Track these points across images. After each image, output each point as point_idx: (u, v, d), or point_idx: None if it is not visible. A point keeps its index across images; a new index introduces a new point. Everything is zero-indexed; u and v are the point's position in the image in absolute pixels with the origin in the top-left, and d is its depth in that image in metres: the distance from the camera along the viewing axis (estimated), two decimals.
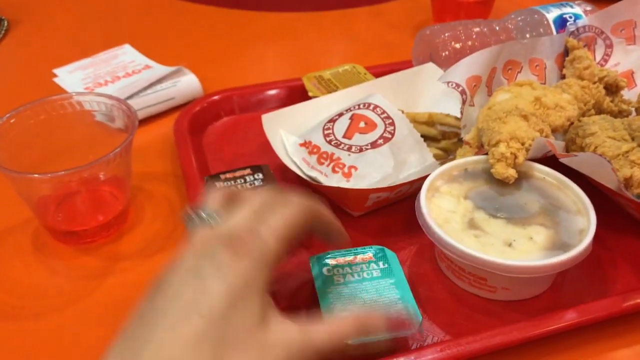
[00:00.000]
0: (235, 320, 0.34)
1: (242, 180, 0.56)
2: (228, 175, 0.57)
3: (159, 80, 0.76)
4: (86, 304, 0.51)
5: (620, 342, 0.47)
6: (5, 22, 0.92)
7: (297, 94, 0.73)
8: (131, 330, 0.35)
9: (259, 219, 0.39)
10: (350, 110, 0.61)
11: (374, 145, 0.57)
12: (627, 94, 0.66)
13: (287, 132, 0.62)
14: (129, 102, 0.71)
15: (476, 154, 0.57)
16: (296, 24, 0.99)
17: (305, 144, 0.60)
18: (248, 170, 0.57)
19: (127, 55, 0.85)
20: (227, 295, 0.34)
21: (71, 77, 0.80)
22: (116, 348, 0.34)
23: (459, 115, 0.60)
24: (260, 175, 0.57)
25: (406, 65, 0.74)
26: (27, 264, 0.54)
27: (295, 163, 0.60)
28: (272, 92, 0.74)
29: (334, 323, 0.39)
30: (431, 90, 0.67)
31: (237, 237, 0.37)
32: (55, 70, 0.81)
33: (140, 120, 0.72)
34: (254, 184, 0.55)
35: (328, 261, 0.49)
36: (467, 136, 0.59)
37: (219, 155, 0.66)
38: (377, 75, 0.72)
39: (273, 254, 0.38)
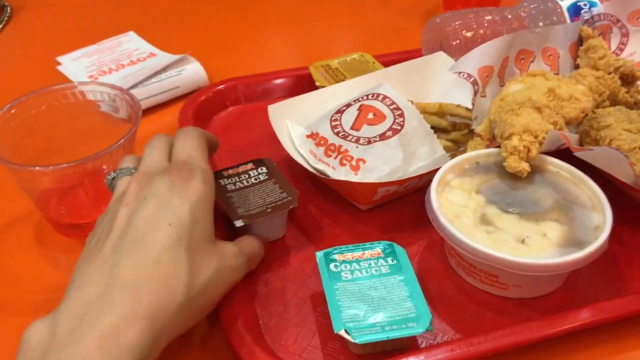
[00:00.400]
0: (197, 231, 0.40)
1: (246, 176, 0.54)
2: (231, 172, 0.55)
3: (164, 69, 0.74)
4: None
5: (636, 342, 0.46)
6: (9, 9, 0.91)
7: (304, 84, 0.71)
8: (93, 254, 0.38)
9: (179, 151, 0.45)
10: (359, 101, 0.59)
11: (382, 137, 0.56)
12: None
13: (294, 123, 0.61)
14: (134, 91, 0.70)
15: (488, 146, 0.56)
16: (303, 11, 0.98)
17: (312, 136, 0.59)
18: (250, 165, 0.55)
19: (131, 42, 0.84)
20: (190, 209, 0.40)
21: (75, 65, 0.79)
22: (87, 262, 0.38)
23: (470, 106, 0.59)
24: (264, 169, 0.54)
25: (416, 53, 0.72)
26: (30, 258, 0.53)
27: (302, 155, 0.59)
28: (279, 81, 0.73)
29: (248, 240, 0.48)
30: (441, 80, 0.66)
31: (176, 165, 0.43)
32: (59, 58, 0.80)
33: (145, 109, 0.71)
34: (258, 178, 0.54)
35: (335, 256, 0.47)
36: (478, 128, 0.57)
37: (225, 145, 0.65)
38: (386, 64, 0.71)
39: (211, 175, 0.44)
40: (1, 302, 0.50)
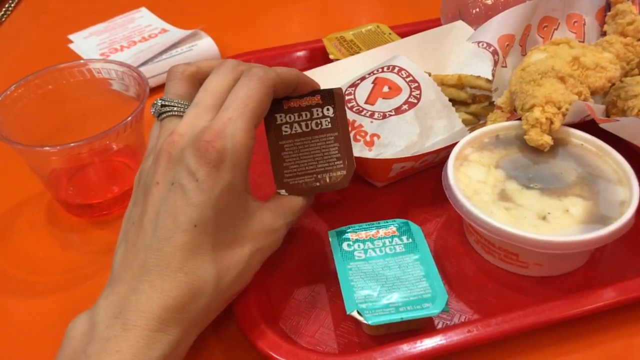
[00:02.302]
0: (225, 224, 0.38)
1: (308, 115, 0.44)
2: (292, 104, 0.44)
3: (175, 45, 0.73)
4: (102, 279, 0.48)
5: None
6: None
7: (317, 57, 0.69)
8: (129, 242, 0.38)
9: (221, 105, 0.39)
10: (373, 74, 0.57)
11: (398, 111, 0.54)
12: None
13: None
14: (145, 68, 0.69)
15: (508, 119, 0.53)
16: None
17: None
18: (317, 99, 0.44)
19: (143, 19, 0.82)
20: (213, 205, 0.37)
21: (86, 42, 0.78)
22: (124, 248, 0.38)
23: (490, 77, 0.56)
24: (330, 111, 0.43)
25: (434, 23, 0.70)
26: (41, 239, 0.53)
27: None
28: (292, 55, 0.71)
29: (292, 199, 0.44)
30: (461, 51, 0.63)
31: (203, 143, 0.37)
32: (71, 36, 0.79)
33: (156, 86, 0.70)
34: (321, 124, 0.44)
35: (348, 235, 0.46)
36: (498, 100, 0.55)
37: None
38: (403, 35, 0.68)
39: (245, 151, 0.38)
40: (14, 284, 0.49)
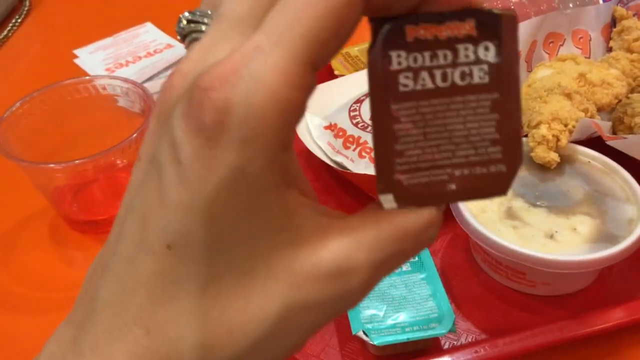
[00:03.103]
0: (229, 247, 0.19)
1: (450, 58, 0.20)
2: (425, 33, 0.20)
3: (180, 60, 0.73)
4: None
5: None
6: (27, 2, 0.91)
7: (322, 72, 0.68)
8: (95, 263, 0.23)
9: (246, 44, 0.18)
10: None
11: None
12: None
13: (311, 114, 0.59)
14: (150, 83, 0.69)
15: None
16: None
17: (331, 127, 0.57)
18: (470, 26, 0.20)
19: (148, 34, 0.82)
20: (204, 210, 0.18)
21: (92, 57, 0.78)
22: (80, 295, 0.23)
23: None
24: (492, 52, 0.20)
25: None
26: (45, 256, 0.53)
27: (320, 147, 0.57)
28: None
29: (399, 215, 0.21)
30: None
31: (200, 90, 0.18)
32: (76, 51, 0.79)
33: None
34: (471, 74, 0.21)
35: None
36: None
37: None
38: None
39: (276, 112, 0.17)
40: (17, 301, 0.49)
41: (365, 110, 0.56)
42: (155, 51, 0.77)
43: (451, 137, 0.22)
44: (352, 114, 0.56)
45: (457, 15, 0.21)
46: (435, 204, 0.21)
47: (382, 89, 0.21)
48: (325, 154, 0.56)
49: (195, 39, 0.24)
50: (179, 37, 0.28)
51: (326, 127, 0.57)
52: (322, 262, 0.19)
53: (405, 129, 0.21)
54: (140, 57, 0.76)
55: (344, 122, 0.56)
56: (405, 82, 0.21)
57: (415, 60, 0.21)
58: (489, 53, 0.21)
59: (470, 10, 0.21)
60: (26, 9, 0.90)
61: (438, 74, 0.21)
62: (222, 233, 0.19)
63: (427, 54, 0.21)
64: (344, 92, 0.61)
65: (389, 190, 0.21)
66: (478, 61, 0.21)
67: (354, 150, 0.54)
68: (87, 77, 0.56)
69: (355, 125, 0.55)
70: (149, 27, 0.84)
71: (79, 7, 0.94)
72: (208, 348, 0.19)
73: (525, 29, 0.59)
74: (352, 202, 0.55)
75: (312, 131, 0.58)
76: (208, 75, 0.18)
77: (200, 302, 0.19)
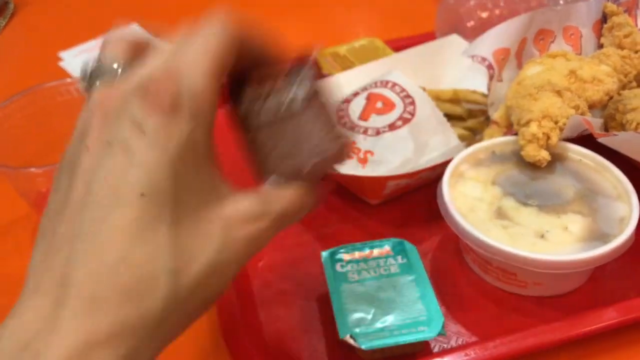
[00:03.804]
0: (185, 196, 0.26)
1: (279, 98, 0.30)
2: (257, 85, 0.31)
3: None
4: None
5: None
6: (11, 5, 0.90)
7: None
8: (48, 237, 0.27)
9: (172, 59, 0.27)
10: (367, 90, 0.56)
11: (392, 127, 0.53)
12: None
13: None
14: None
15: (505, 134, 0.52)
16: None
17: None
18: (286, 73, 0.31)
19: None
20: (168, 166, 0.25)
21: (77, 60, 0.77)
22: (42, 244, 0.27)
23: (486, 92, 0.55)
24: (301, 90, 0.30)
25: (429, 37, 0.69)
26: (28, 263, 0.51)
27: None
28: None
29: (281, 189, 0.30)
30: (456, 65, 0.62)
31: (152, 83, 0.26)
32: (61, 54, 0.78)
33: None
34: (296, 98, 0.30)
35: (341, 256, 0.45)
36: (495, 115, 0.54)
37: (226, 146, 0.62)
38: (397, 49, 0.67)
39: (208, 100, 0.27)
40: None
41: (353, 110, 0.55)
42: None
43: (299, 140, 0.31)
44: (339, 114, 0.55)
45: (279, 69, 0.31)
46: (303, 178, 0.31)
47: (241, 125, 0.32)
48: None
49: (103, 83, 0.29)
50: (80, 83, 0.30)
51: None
52: (241, 210, 0.28)
53: (265, 138, 0.31)
54: None
55: None
56: (254, 118, 0.31)
57: (257, 104, 0.31)
58: (300, 91, 0.30)
59: (287, 64, 0.31)
60: (10, 11, 0.89)
61: (274, 105, 0.31)
62: (182, 185, 0.26)
63: (264, 97, 0.31)
64: (332, 92, 0.60)
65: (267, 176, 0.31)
66: (296, 97, 0.30)
67: None
68: (70, 80, 0.55)
69: (343, 125, 0.54)
70: (135, 29, 0.83)
71: (64, 9, 0.93)
72: (177, 272, 0.26)
73: (515, 26, 0.58)
74: (340, 202, 0.54)
75: None
76: (155, 74, 0.26)
77: (169, 238, 0.26)
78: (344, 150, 0.32)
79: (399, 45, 0.69)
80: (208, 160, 0.28)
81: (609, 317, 0.41)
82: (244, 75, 0.31)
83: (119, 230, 0.25)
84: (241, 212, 0.28)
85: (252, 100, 0.31)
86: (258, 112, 0.31)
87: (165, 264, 0.25)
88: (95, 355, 0.24)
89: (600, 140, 0.47)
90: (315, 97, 0.31)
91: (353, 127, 0.53)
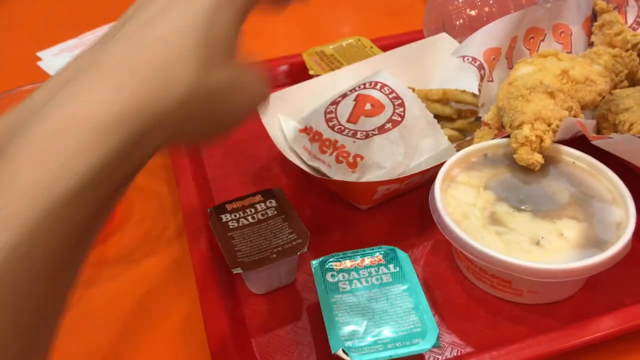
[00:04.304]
0: (216, 30, 0.29)
1: (252, 211, 0.47)
2: (235, 205, 0.48)
3: None
4: (67, 319, 0.46)
5: None
6: None
7: (296, 72, 0.67)
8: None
9: None
10: (355, 91, 0.55)
11: (381, 130, 0.51)
12: None
13: (286, 117, 0.57)
14: None
15: (496, 136, 0.51)
16: None
17: (306, 130, 0.54)
18: (259, 197, 0.48)
19: None
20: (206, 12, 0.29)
21: (56, 60, 0.75)
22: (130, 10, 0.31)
23: (476, 92, 0.54)
24: (273, 202, 0.47)
25: (417, 35, 0.67)
26: None
27: (295, 152, 0.54)
28: (270, 70, 0.68)
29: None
30: (445, 64, 0.61)
31: None
32: (39, 54, 0.76)
33: None
34: (266, 213, 0.47)
35: (332, 265, 0.43)
36: (486, 116, 0.53)
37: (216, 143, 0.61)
38: (385, 48, 0.66)
39: None
40: None
41: (341, 112, 0.54)
42: None
43: (266, 239, 0.45)
44: (328, 116, 0.54)
45: (253, 194, 0.48)
46: (267, 264, 0.43)
47: (220, 229, 0.46)
48: (301, 159, 0.54)
49: None
50: None
51: (301, 130, 0.55)
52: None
53: (238, 241, 0.45)
54: None
55: (320, 125, 0.53)
56: (232, 224, 0.46)
57: (234, 216, 0.47)
58: (271, 204, 0.47)
59: (262, 191, 0.49)
60: None
61: (249, 217, 0.47)
62: (216, 16, 0.29)
63: (241, 212, 0.47)
64: (320, 93, 0.58)
65: (238, 266, 0.42)
66: (268, 208, 0.47)
67: (330, 154, 0.52)
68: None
69: (332, 128, 0.53)
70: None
71: (42, 7, 0.91)
72: (201, 71, 0.28)
73: (505, 25, 0.57)
74: (330, 207, 0.53)
75: (287, 135, 0.56)
76: None
77: (198, 49, 0.28)
78: (305, 240, 0.44)
79: (386, 44, 0.68)
80: (238, 17, 0.31)
81: (606, 326, 0.40)
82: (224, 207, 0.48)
83: (165, 23, 0.28)
84: (248, 71, 0.32)
85: (234, 210, 0.47)
86: (238, 219, 0.46)
87: (193, 58, 0.28)
88: (114, 106, 0.25)
89: (595, 142, 0.46)
90: (282, 210, 0.47)
91: (342, 130, 0.52)
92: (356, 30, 0.73)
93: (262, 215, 0.47)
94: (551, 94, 0.49)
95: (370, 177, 0.50)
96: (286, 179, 0.55)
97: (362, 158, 0.50)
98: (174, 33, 0.28)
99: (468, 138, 0.56)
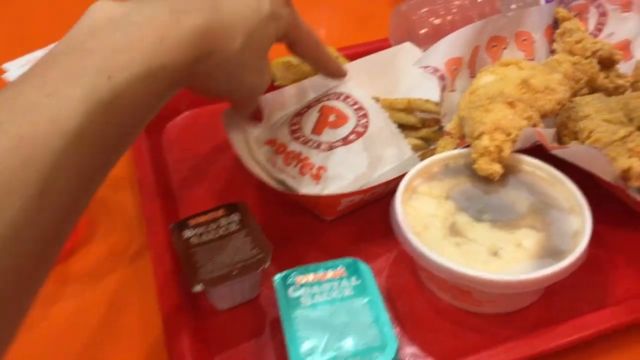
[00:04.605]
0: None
1: (215, 226, 0.47)
2: (198, 220, 0.48)
3: None
4: (31, 337, 0.45)
5: (625, 356, 0.42)
6: None
7: None
8: None
9: None
10: (320, 102, 0.55)
11: (345, 141, 0.52)
12: (622, 67, 0.60)
13: (252, 129, 0.57)
14: None
15: (458, 145, 0.52)
16: None
17: (271, 142, 0.54)
18: (221, 211, 0.48)
19: None
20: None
21: (23, 71, 0.73)
22: None
23: (439, 101, 0.55)
24: (237, 217, 0.48)
25: (384, 44, 0.68)
26: None
27: (259, 164, 0.54)
28: None
29: None
30: (409, 73, 0.61)
31: None
32: (5, 65, 0.75)
33: None
34: (229, 228, 0.47)
35: (294, 279, 0.43)
36: (448, 125, 0.54)
37: (180, 154, 0.61)
38: (352, 56, 0.66)
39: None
40: None
41: (306, 123, 0.54)
42: None
43: (228, 254, 0.45)
44: (292, 127, 0.54)
45: (216, 208, 0.49)
46: (229, 280, 0.43)
47: (182, 245, 0.46)
48: (266, 172, 0.54)
49: None
50: None
51: (267, 143, 0.55)
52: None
53: (200, 257, 0.45)
54: None
55: (285, 137, 0.54)
56: (194, 240, 0.46)
57: (197, 231, 0.47)
58: (234, 218, 0.48)
59: (225, 205, 0.49)
60: None
61: (212, 232, 0.47)
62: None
63: (204, 227, 0.47)
64: (285, 104, 0.58)
65: (199, 282, 0.43)
66: (231, 222, 0.47)
67: (295, 166, 0.52)
68: None
69: (297, 139, 0.53)
70: None
71: (7, 16, 0.90)
72: (247, 35, 0.41)
73: (467, 34, 0.58)
74: (294, 218, 0.53)
75: (252, 147, 0.55)
76: None
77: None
78: (268, 255, 0.45)
79: (353, 52, 0.68)
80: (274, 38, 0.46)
81: (565, 334, 0.41)
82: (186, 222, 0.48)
83: None
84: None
85: (197, 226, 0.47)
86: (200, 234, 0.47)
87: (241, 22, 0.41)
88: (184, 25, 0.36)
89: (553, 152, 0.47)
90: (245, 224, 0.47)
91: (306, 142, 0.52)
92: (323, 39, 0.73)
93: (225, 230, 0.47)
94: (511, 104, 0.49)
95: (334, 188, 0.50)
96: (252, 188, 0.55)
97: (325, 169, 0.50)
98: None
99: (432, 147, 0.56)
